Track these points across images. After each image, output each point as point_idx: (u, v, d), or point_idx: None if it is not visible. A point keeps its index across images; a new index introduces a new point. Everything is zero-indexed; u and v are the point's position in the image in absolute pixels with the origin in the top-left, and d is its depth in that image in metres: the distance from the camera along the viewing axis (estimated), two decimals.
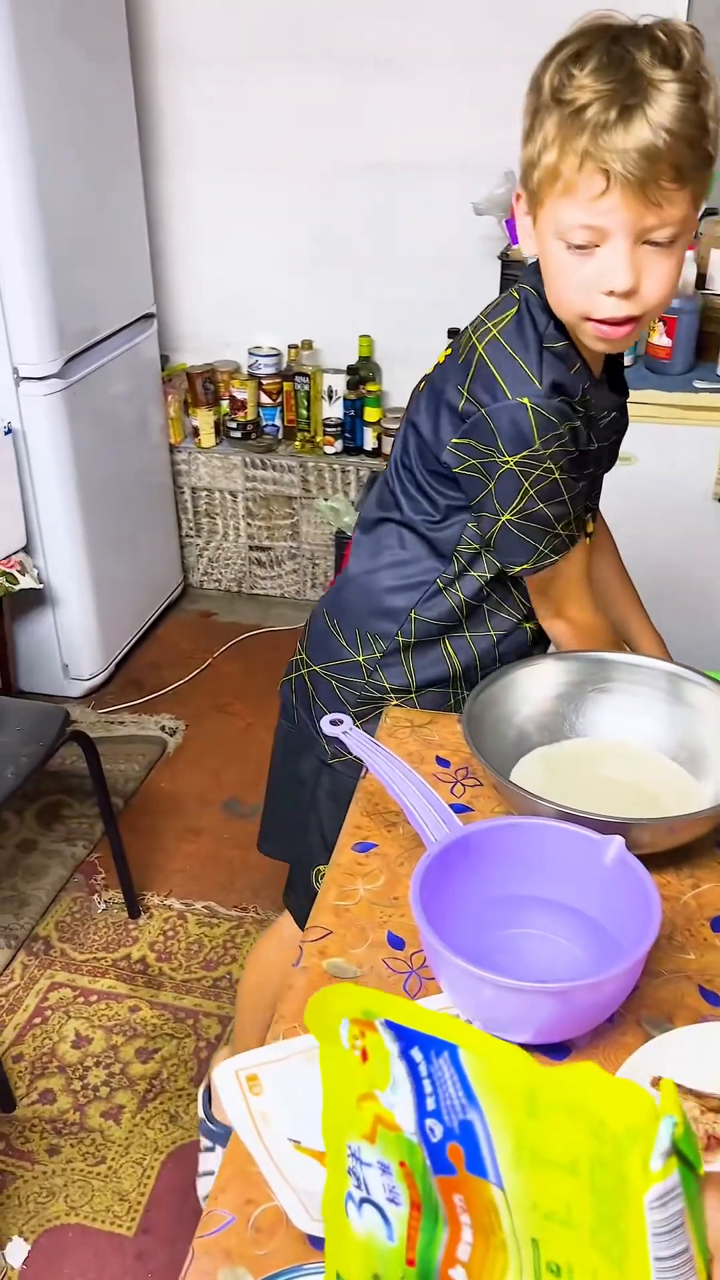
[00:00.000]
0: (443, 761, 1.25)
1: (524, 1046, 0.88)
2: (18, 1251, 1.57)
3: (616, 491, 2.19)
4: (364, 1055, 0.60)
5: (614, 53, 0.95)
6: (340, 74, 2.81)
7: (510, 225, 2.41)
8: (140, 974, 2.07)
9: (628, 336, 1.08)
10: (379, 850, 1.12)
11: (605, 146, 0.94)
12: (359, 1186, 0.58)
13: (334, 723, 1.08)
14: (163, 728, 2.79)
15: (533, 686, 1.19)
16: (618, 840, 0.94)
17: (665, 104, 0.94)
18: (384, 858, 1.11)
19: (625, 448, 2.15)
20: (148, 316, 3.00)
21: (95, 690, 2.93)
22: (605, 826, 0.97)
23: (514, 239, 2.40)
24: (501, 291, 2.49)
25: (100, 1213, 1.66)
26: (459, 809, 1.15)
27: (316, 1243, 0.74)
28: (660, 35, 0.97)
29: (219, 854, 2.39)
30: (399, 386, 3.13)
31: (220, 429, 3.22)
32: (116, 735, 2.74)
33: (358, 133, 2.87)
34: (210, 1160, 1.59)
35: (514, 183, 2.53)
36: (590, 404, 1.16)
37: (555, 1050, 0.89)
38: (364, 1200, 0.58)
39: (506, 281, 2.43)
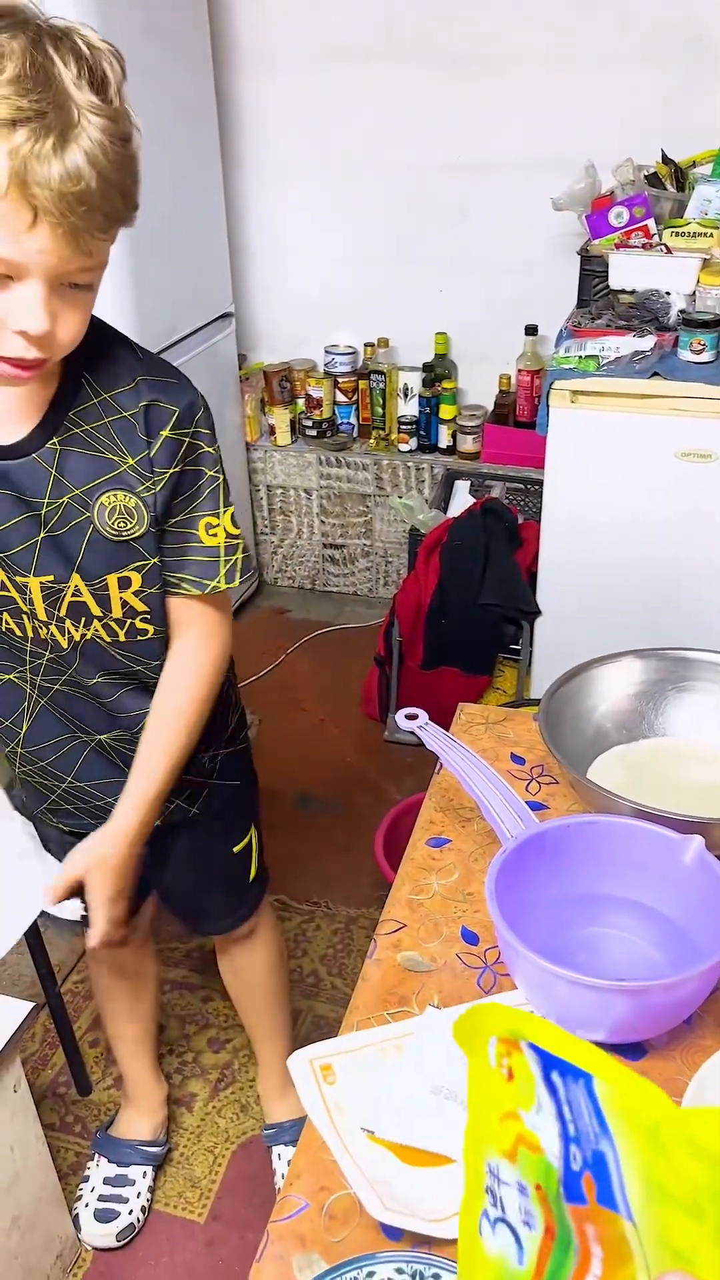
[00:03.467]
0: (517, 759, 1.25)
1: (599, 1045, 0.87)
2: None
3: (694, 489, 2.16)
4: (510, 1074, 0.60)
5: (36, 61, 0.80)
6: (420, 72, 2.80)
7: (591, 220, 2.38)
8: (213, 965, 2.08)
9: (32, 378, 0.95)
10: (453, 845, 1.12)
11: (37, 180, 0.80)
12: (495, 1205, 0.58)
13: (410, 717, 1.09)
14: None
15: (611, 683, 1.17)
16: (697, 840, 0.93)
17: (98, 142, 0.82)
18: (458, 853, 1.11)
19: (705, 444, 2.13)
20: (226, 315, 3.03)
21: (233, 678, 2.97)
22: (684, 826, 0.95)
23: (594, 234, 2.38)
24: (580, 288, 2.47)
25: (172, 1198, 1.69)
26: (534, 806, 1.15)
27: (390, 1232, 0.75)
28: (84, 50, 0.83)
29: (291, 849, 2.41)
30: (475, 384, 3.12)
31: (296, 427, 3.24)
32: None
33: (437, 130, 2.87)
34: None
35: (595, 178, 2.51)
36: None
37: (631, 1050, 0.88)
38: (499, 1220, 0.58)
39: (585, 278, 2.40)
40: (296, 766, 2.68)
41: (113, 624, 1.14)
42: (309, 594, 3.44)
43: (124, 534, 1.07)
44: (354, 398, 3.16)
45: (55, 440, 1.03)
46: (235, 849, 1.45)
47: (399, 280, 3.08)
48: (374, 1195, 0.75)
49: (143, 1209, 1.65)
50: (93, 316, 1.05)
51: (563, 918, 0.97)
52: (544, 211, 2.56)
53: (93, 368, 1.04)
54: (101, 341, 1.05)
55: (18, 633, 1.15)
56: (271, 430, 3.23)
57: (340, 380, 3.15)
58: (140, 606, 1.13)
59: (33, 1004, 1.38)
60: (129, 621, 1.14)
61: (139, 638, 1.16)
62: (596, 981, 0.82)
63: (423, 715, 1.09)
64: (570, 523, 2.28)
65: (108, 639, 1.15)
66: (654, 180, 2.44)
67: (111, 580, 1.10)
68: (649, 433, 2.14)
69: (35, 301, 0.87)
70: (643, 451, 2.16)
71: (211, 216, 2.89)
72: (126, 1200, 1.64)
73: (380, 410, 3.15)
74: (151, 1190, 1.68)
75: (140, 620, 1.14)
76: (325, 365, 3.19)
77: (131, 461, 1.05)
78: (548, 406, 2.18)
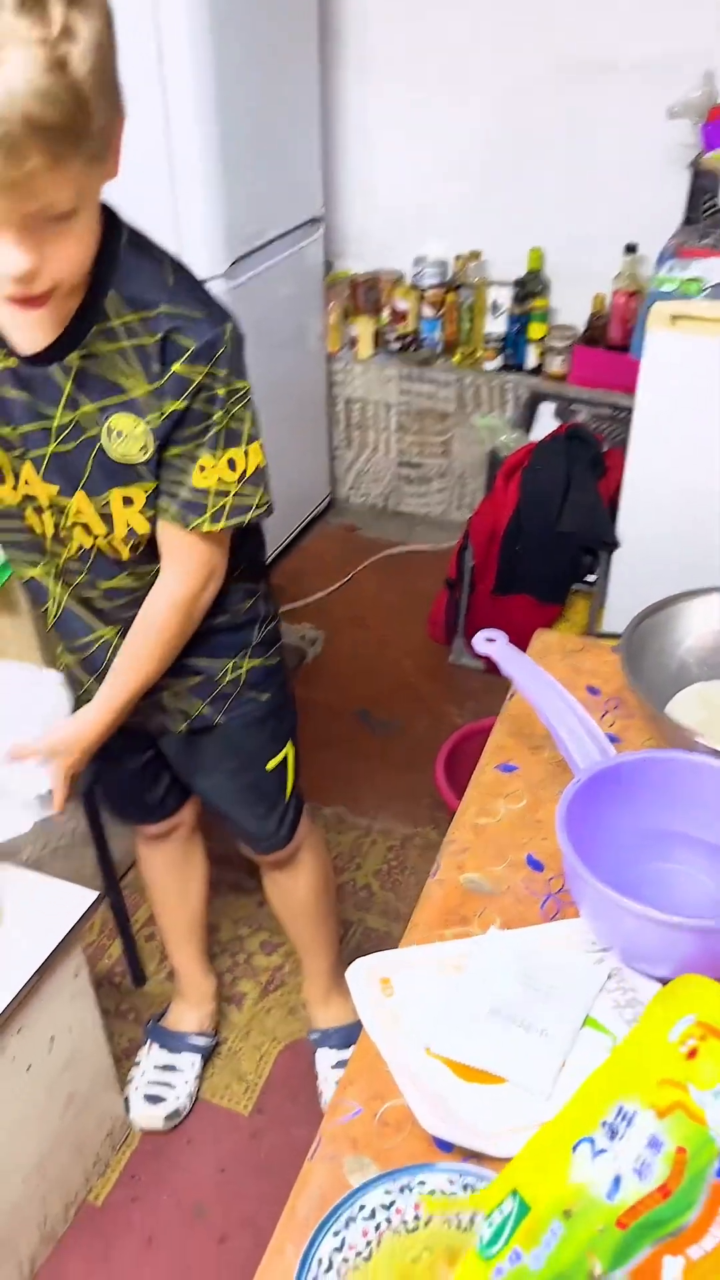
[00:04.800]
0: (593, 690, 1.22)
1: (662, 981, 0.86)
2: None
3: None
4: (692, 1054, 0.59)
5: None
6: None
7: (707, 130, 2.25)
8: None
9: (43, 307, 0.92)
10: (522, 772, 1.11)
11: None
12: (610, 1138, 0.58)
13: (488, 639, 1.07)
14: (302, 637, 2.83)
15: (699, 618, 1.14)
16: None
17: (20, 77, 0.73)
18: (527, 780, 1.09)
19: None
20: (315, 220, 2.95)
21: (267, 591, 2.97)
22: None
23: (709, 146, 2.25)
24: (689, 205, 2.35)
25: (219, 1089, 1.75)
26: (609, 740, 1.12)
27: (442, 1144, 0.76)
28: None
29: (350, 764, 2.43)
30: (568, 303, 3.01)
31: (379, 339, 3.17)
32: None
33: (543, 32, 2.72)
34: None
35: (713, 85, 2.37)
36: None
37: None
38: (601, 1152, 0.58)
39: (695, 194, 2.28)
40: (359, 685, 2.68)
41: (116, 543, 1.14)
42: (381, 513, 3.41)
43: (129, 458, 1.06)
44: (441, 311, 3.08)
45: (74, 355, 1.02)
46: (269, 765, 1.44)
47: (495, 190, 2.96)
48: (427, 1107, 0.75)
49: (190, 1096, 1.71)
50: (133, 231, 1.03)
51: (632, 852, 0.95)
52: (655, 121, 2.43)
53: (120, 285, 1.00)
54: (135, 261, 1.02)
55: (38, 529, 1.18)
56: (354, 342, 3.17)
57: (428, 293, 3.06)
58: (142, 527, 1.12)
59: (97, 893, 1.42)
60: (133, 540, 1.14)
61: (142, 555, 1.16)
62: (666, 917, 0.81)
63: (501, 637, 1.07)
64: (658, 452, 2.20)
65: (111, 555, 1.16)
66: None
67: (115, 497, 1.09)
68: None
69: (5, 248, 0.84)
70: None
71: (305, 116, 2.79)
72: (175, 1087, 1.70)
73: (467, 326, 3.06)
74: (199, 1080, 1.74)
75: (142, 536, 1.14)
76: (413, 276, 3.10)
77: (144, 389, 1.03)
78: (644, 329, 2.10)
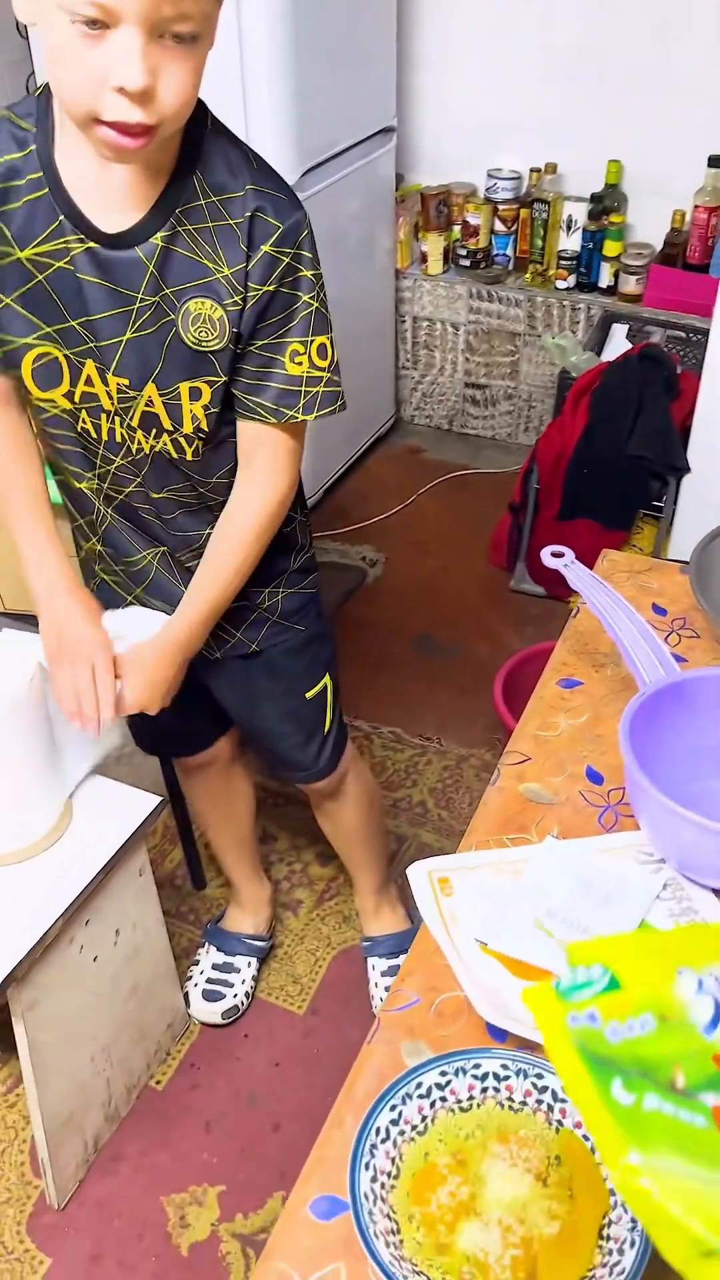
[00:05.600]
0: (659, 609, 1.22)
1: (716, 892, 0.88)
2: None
3: None
4: None
5: None
6: None
7: None
8: None
9: (140, 149, 0.89)
10: (584, 689, 1.11)
11: None
12: (716, 986, 0.59)
13: (555, 554, 1.07)
14: (363, 559, 2.83)
15: None
16: None
17: None
18: (589, 695, 1.10)
19: None
20: (387, 130, 2.88)
21: (306, 520, 2.98)
22: None
23: None
24: None
25: (275, 989, 1.81)
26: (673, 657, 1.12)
27: (496, 1033, 0.78)
28: None
29: (407, 685, 2.45)
30: (646, 219, 2.91)
31: (449, 256, 3.11)
32: (320, 562, 2.80)
33: None
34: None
35: None
36: (17, 196, 1.01)
37: None
38: (704, 993, 0.59)
39: None
40: (419, 607, 2.69)
41: (181, 440, 1.13)
42: (445, 434, 3.37)
43: (203, 344, 1.05)
44: (513, 227, 3.00)
45: (159, 236, 1.01)
46: (308, 694, 1.45)
47: (574, 101, 2.86)
48: (484, 999, 0.78)
49: (247, 994, 1.77)
50: (212, 117, 1.02)
51: (693, 768, 0.96)
52: None
53: (205, 167, 1.00)
54: (217, 142, 1.01)
55: (93, 434, 1.16)
56: (424, 258, 3.11)
57: (501, 207, 2.98)
58: (206, 424, 1.12)
59: (160, 798, 1.46)
60: (197, 441, 1.13)
61: (202, 461, 1.16)
62: None
63: (569, 553, 1.07)
64: None
65: (175, 455, 1.15)
66: None
67: (184, 389, 1.08)
68: None
69: (132, 50, 0.82)
70: None
71: (382, 23, 2.70)
72: (232, 985, 1.76)
73: (540, 243, 2.98)
74: (256, 980, 1.81)
75: (203, 440, 1.14)
76: (486, 190, 3.02)
77: (227, 271, 1.02)
78: None
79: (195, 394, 1.09)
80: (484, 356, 3.17)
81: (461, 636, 2.58)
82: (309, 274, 1.05)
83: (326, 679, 1.48)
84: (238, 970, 1.78)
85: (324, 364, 1.10)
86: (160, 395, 1.09)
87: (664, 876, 0.90)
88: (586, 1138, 0.68)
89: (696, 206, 2.73)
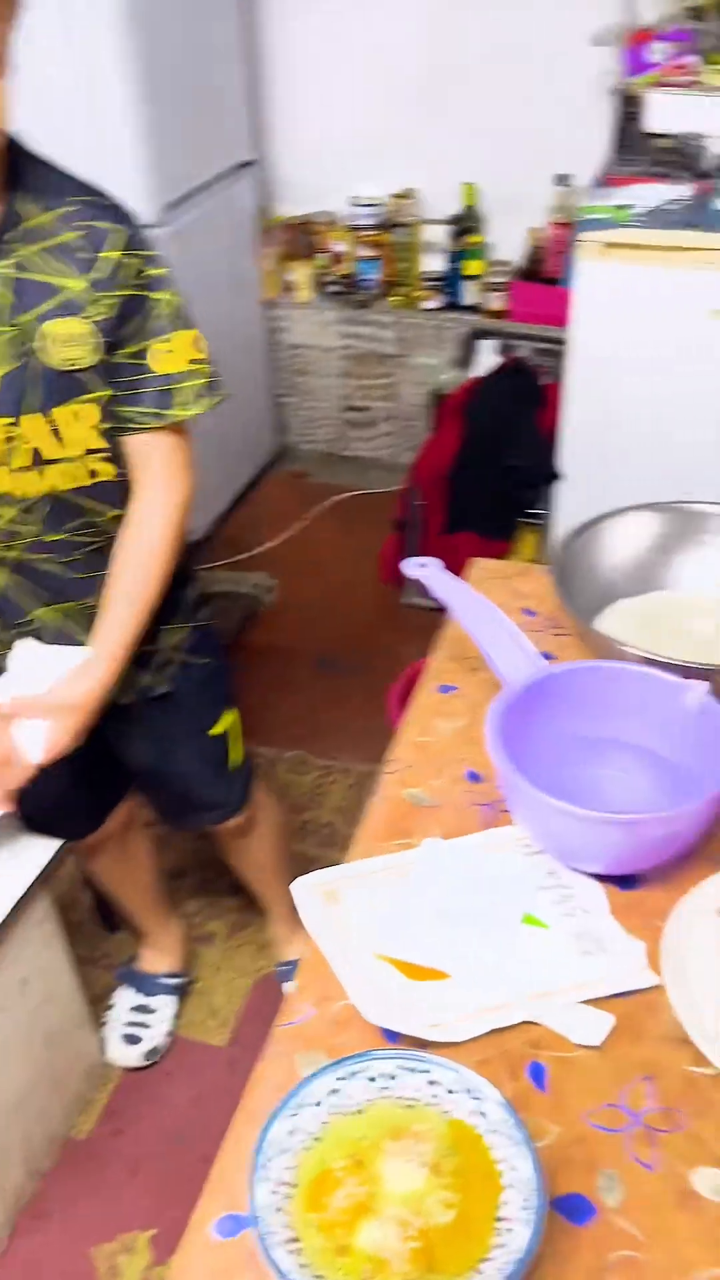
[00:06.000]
0: (529, 612, 1.26)
1: (596, 877, 0.91)
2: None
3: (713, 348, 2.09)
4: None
5: None
6: None
7: (628, 56, 2.25)
8: None
9: None
10: (461, 692, 1.14)
11: None
12: None
13: (420, 565, 1.09)
14: (256, 585, 2.85)
15: (623, 537, 1.17)
16: (701, 685, 0.95)
17: None
18: (466, 699, 1.13)
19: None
20: (245, 164, 2.92)
21: (193, 549, 2.98)
22: (689, 672, 0.97)
23: (631, 71, 2.25)
24: (615, 130, 2.35)
25: (195, 1024, 1.80)
26: (545, 658, 1.16)
27: (390, 1035, 0.80)
28: None
29: (309, 708, 2.46)
30: (505, 237, 3.00)
31: (317, 284, 3.16)
32: (213, 592, 2.80)
33: None
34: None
35: (634, 10, 2.36)
36: None
37: (625, 881, 0.91)
38: None
39: (623, 120, 2.28)
40: (315, 630, 2.71)
41: (71, 468, 1.12)
42: (330, 458, 3.41)
43: (75, 363, 1.05)
44: (378, 252, 3.06)
45: (3, 263, 1.01)
46: (214, 731, 1.44)
47: (425, 126, 2.94)
48: (373, 1002, 0.80)
49: (167, 1033, 1.76)
50: (26, 146, 1.03)
51: (566, 759, 0.99)
52: (579, 48, 2.42)
53: (28, 190, 1.02)
54: (35, 167, 1.03)
55: None
56: (292, 287, 3.15)
57: (364, 234, 3.04)
58: (98, 443, 1.11)
59: (59, 842, 1.44)
60: (87, 462, 1.12)
61: (99, 479, 1.14)
62: (592, 814, 0.85)
63: (433, 563, 1.10)
64: (594, 382, 2.23)
65: (66, 486, 1.13)
66: (697, 14, 2.29)
67: (65, 414, 1.08)
68: (681, 288, 2.07)
69: None
70: (674, 308, 2.10)
71: (224, 54, 2.74)
72: (151, 1026, 1.74)
73: (404, 266, 3.05)
74: (175, 1017, 1.79)
75: (99, 459, 1.13)
76: (349, 218, 3.08)
77: (80, 285, 1.03)
78: (575, 260, 2.11)
79: (80, 416, 1.09)
80: (360, 380, 3.22)
81: (359, 655, 2.61)
82: (157, 272, 1.07)
83: (231, 714, 1.47)
84: (155, 1010, 1.77)
85: (196, 356, 1.11)
86: (45, 424, 1.08)
87: (544, 867, 0.93)
88: (477, 1125, 0.70)
89: (550, 223, 2.83)
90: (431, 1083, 0.72)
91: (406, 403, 3.21)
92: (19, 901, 1.37)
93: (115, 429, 1.12)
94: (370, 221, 3.03)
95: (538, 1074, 0.78)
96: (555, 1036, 0.80)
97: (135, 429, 1.12)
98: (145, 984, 1.79)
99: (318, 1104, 0.72)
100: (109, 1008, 1.79)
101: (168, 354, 1.08)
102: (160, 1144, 1.62)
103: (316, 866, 0.92)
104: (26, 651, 1.25)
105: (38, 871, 1.41)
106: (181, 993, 1.82)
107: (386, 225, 3.04)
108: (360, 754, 2.32)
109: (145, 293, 1.06)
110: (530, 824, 0.93)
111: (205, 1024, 1.80)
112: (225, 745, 1.47)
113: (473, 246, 2.95)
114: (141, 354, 1.08)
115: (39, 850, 1.43)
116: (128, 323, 1.06)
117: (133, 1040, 1.72)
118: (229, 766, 1.49)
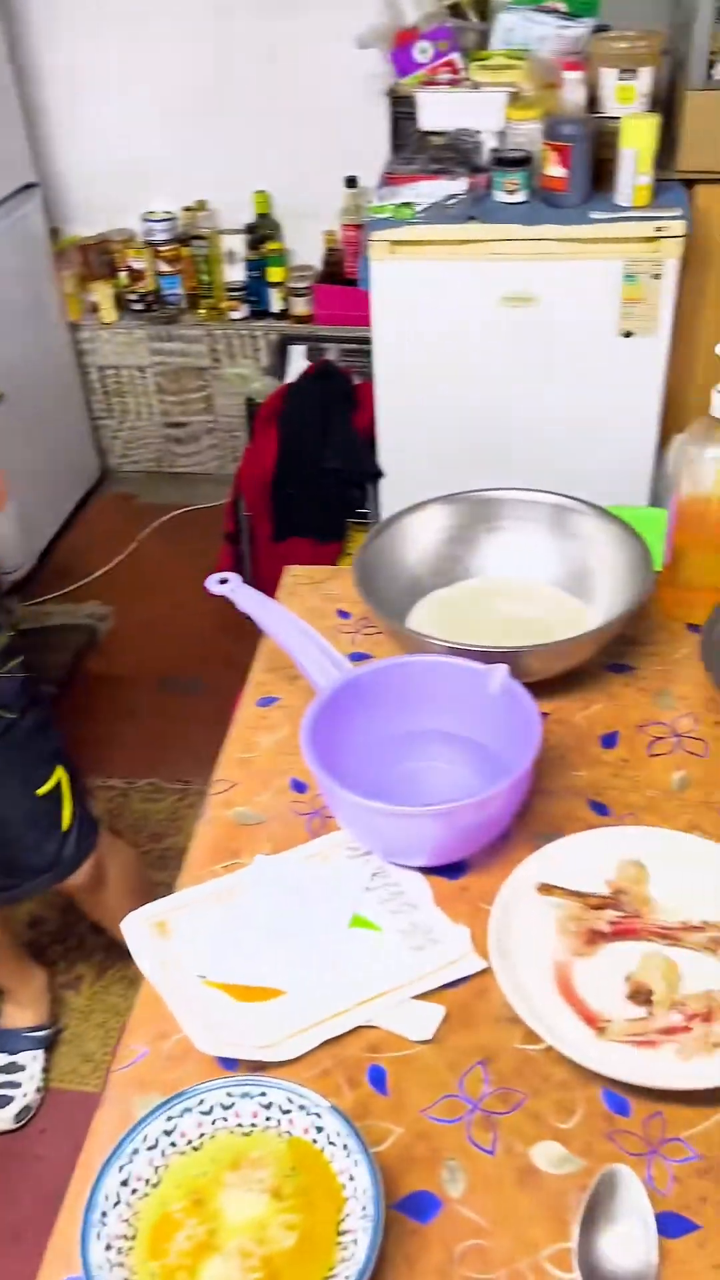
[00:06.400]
0: (343, 614, 1.26)
1: (423, 871, 0.92)
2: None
3: (518, 333, 2.16)
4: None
5: None
6: None
7: (395, 57, 2.29)
8: None
9: None
10: (282, 703, 1.14)
11: None
12: None
13: (222, 581, 1.08)
14: (90, 614, 2.78)
15: (421, 531, 1.19)
16: (501, 669, 0.96)
17: None
18: (286, 710, 1.12)
19: (525, 286, 2.12)
20: (29, 187, 2.84)
21: (20, 584, 2.89)
22: (490, 657, 0.99)
23: (400, 72, 2.29)
24: (393, 132, 2.39)
25: (67, 1074, 1.74)
26: (360, 657, 1.17)
27: (227, 1063, 0.78)
28: None
29: (157, 731, 2.42)
30: (303, 242, 3.02)
31: (121, 303, 3.10)
32: (45, 626, 2.73)
33: None
34: None
35: (396, 11, 2.40)
36: None
37: (451, 870, 0.92)
38: None
39: (396, 121, 2.32)
40: (156, 652, 2.67)
41: None
42: (156, 477, 3.36)
43: None
44: (178, 266, 3.04)
45: None
46: (40, 791, 1.38)
47: (210, 137, 2.93)
48: (206, 1032, 0.78)
49: (38, 1089, 1.70)
50: None
51: (384, 757, 1.00)
52: (348, 52, 2.45)
53: None
54: None
55: None
56: (95, 308, 3.09)
57: (161, 249, 3.01)
58: None
59: None
60: None
61: None
62: (407, 809, 0.86)
63: (234, 578, 1.09)
64: (401, 379, 2.27)
65: None
66: (456, 11, 2.35)
67: None
68: (470, 279, 2.12)
69: None
70: (466, 299, 2.15)
71: None
72: (20, 1085, 1.68)
73: (206, 278, 3.04)
74: (45, 1071, 1.73)
75: None
76: (144, 235, 3.04)
77: None
78: (368, 260, 2.14)
79: None
80: (176, 395, 3.19)
81: (202, 671, 2.58)
82: None
83: (59, 771, 1.39)
84: (23, 1068, 1.70)
85: None
86: None
87: (370, 867, 0.93)
88: (315, 1140, 0.69)
89: (343, 225, 2.86)
90: (267, 1105, 0.71)
91: (225, 414, 3.19)
92: None
93: None
94: (166, 236, 3.00)
95: (378, 1077, 0.78)
96: (392, 1037, 0.80)
97: None
98: (10, 1041, 1.73)
99: (152, 1147, 0.70)
100: None
101: None
102: (41, 1206, 1.56)
103: (179, 874, 0.90)
104: None
105: None
106: (49, 1044, 1.76)
107: (183, 239, 3.02)
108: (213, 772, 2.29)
109: None
110: (352, 826, 0.93)
111: (78, 1072, 1.75)
112: (57, 804, 1.40)
113: (272, 254, 2.95)
114: None
115: None
116: None
117: (2, 1102, 1.66)
118: (60, 828, 1.42)
